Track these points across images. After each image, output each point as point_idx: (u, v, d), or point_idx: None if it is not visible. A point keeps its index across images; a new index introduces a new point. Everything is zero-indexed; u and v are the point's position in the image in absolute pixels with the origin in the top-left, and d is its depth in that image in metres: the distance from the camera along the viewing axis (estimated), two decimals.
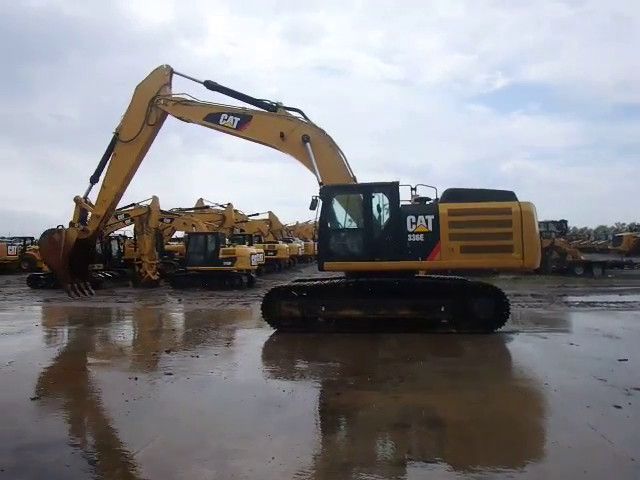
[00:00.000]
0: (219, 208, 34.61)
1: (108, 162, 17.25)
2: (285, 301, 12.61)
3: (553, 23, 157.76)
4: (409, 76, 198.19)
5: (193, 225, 28.15)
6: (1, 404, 7.05)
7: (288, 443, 5.50)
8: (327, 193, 12.54)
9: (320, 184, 12.90)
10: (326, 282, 12.88)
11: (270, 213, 43.92)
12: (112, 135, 16.95)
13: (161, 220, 27.85)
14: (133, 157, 16.90)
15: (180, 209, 32.63)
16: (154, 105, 16.07)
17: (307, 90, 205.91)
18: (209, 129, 15.70)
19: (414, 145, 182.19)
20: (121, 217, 26.55)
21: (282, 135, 14.05)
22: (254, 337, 12.37)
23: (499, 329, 11.95)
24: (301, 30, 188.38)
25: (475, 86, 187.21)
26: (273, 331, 12.54)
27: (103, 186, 17.52)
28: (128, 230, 29.97)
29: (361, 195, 12.53)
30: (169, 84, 16.37)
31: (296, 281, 14.18)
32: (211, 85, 15.64)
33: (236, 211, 35.96)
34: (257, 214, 42.31)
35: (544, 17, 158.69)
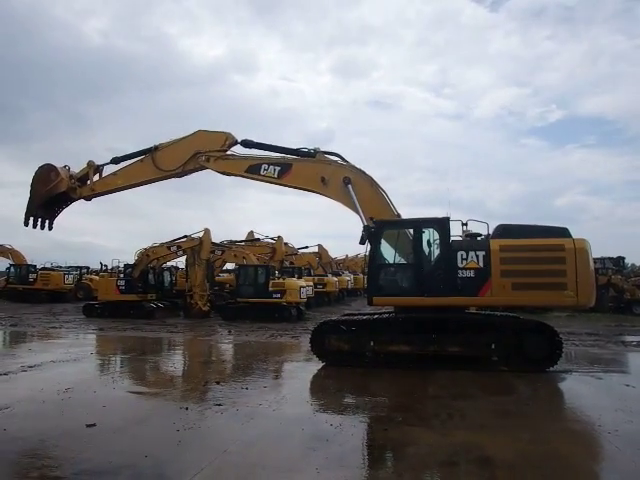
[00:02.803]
0: (269, 241, 35.00)
1: (133, 161, 17.72)
2: (334, 335, 12.65)
3: (610, 56, 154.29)
4: (462, 110, 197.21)
5: (244, 257, 28.45)
6: (59, 430, 7.26)
7: (336, 477, 5.52)
8: (377, 228, 12.63)
9: (364, 225, 12.98)
10: (375, 317, 12.88)
11: (320, 246, 44.17)
12: (154, 145, 17.26)
13: (212, 252, 28.22)
14: (151, 177, 17.46)
15: (231, 241, 33.12)
16: (196, 158, 16.43)
17: (359, 124, 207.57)
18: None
19: (466, 179, 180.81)
20: (174, 249, 27.09)
21: (323, 180, 14.31)
22: (302, 370, 12.45)
23: (552, 368, 11.67)
24: (352, 64, 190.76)
25: (529, 119, 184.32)
26: (321, 364, 12.58)
27: (114, 173, 18.07)
28: (180, 261, 30.61)
29: (411, 230, 12.57)
30: (222, 151, 16.47)
31: (345, 315, 14.21)
32: (247, 143, 16.07)
33: (286, 244, 36.26)
34: (307, 247, 42.62)
35: (601, 50, 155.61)
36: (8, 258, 39.83)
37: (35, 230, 18.54)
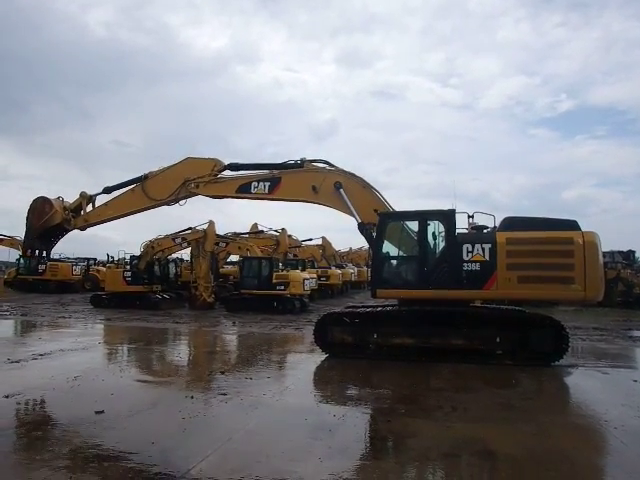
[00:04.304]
0: (273, 233, 34.89)
1: (124, 190, 17.83)
2: (337, 327, 12.63)
3: (624, 43, 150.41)
4: (469, 100, 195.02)
5: (247, 249, 28.43)
6: (69, 416, 7.36)
7: (338, 467, 5.49)
8: (382, 220, 12.57)
9: (359, 224, 12.98)
10: (379, 309, 12.84)
11: (324, 239, 44.13)
12: (144, 174, 17.25)
13: (217, 244, 28.22)
14: (143, 205, 17.51)
15: (235, 233, 33.09)
16: (186, 186, 16.31)
17: (363, 116, 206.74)
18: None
19: (473, 171, 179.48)
20: (178, 241, 27.13)
21: (314, 188, 14.27)
22: (306, 361, 12.47)
23: (557, 362, 11.59)
24: (356, 54, 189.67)
25: (538, 110, 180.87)
26: (325, 356, 12.57)
27: (106, 204, 18.29)
28: (185, 253, 30.64)
29: (416, 222, 12.48)
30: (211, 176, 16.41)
31: (348, 307, 14.18)
32: (233, 166, 16.10)
33: (290, 236, 36.16)
34: (311, 239, 42.63)
35: (614, 37, 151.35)
36: (18, 249, 40.16)
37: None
